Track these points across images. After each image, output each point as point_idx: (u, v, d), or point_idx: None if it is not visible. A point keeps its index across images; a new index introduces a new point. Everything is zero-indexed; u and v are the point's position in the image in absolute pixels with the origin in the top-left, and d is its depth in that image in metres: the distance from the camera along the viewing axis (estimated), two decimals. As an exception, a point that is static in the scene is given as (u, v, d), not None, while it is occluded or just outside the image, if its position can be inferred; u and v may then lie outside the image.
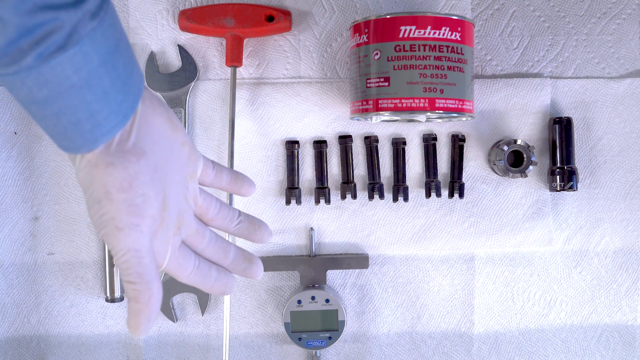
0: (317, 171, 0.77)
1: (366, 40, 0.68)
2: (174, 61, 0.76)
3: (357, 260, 0.76)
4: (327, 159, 0.77)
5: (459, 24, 0.67)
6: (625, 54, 0.77)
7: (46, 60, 0.40)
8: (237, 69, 0.76)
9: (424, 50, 0.66)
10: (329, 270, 0.78)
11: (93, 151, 0.45)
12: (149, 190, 0.46)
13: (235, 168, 0.76)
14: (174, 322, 0.77)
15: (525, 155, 0.74)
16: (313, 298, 0.74)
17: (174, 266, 0.51)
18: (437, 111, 0.66)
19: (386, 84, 0.67)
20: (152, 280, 0.46)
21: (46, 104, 0.42)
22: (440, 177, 0.77)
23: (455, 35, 0.67)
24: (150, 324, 0.46)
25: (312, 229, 0.77)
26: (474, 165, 0.77)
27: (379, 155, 0.77)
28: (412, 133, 0.77)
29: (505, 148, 0.73)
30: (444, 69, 0.66)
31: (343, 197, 0.76)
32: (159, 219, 0.48)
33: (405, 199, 0.76)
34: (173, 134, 0.50)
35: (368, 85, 0.68)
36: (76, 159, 0.46)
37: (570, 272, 0.78)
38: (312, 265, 0.76)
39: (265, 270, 0.76)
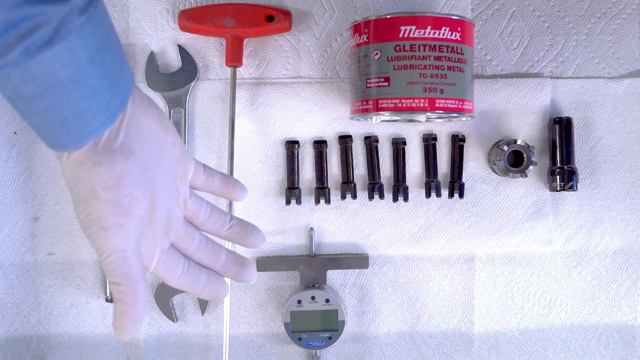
0: (317, 171, 0.77)
1: (366, 40, 0.68)
2: (174, 61, 0.76)
3: (357, 260, 0.76)
4: (327, 159, 0.77)
5: (459, 24, 0.67)
6: (625, 54, 0.77)
7: (32, 55, 0.39)
8: (237, 69, 0.76)
9: (424, 50, 0.66)
10: (329, 270, 0.78)
11: (80, 149, 0.44)
12: (137, 190, 0.46)
13: (235, 168, 0.76)
14: (174, 322, 0.77)
15: (525, 155, 0.74)
16: (313, 298, 0.74)
17: (162, 269, 0.50)
18: (437, 111, 0.66)
19: (386, 84, 0.67)
20: (138, 282, 0.45)
21: (32, 100, 0.42)
22: (440, 177, 0.77)
23: (455, 35, 0.67)
24: (136, 327, 0.46)
25: (312, 229, 0.77)
26: (474, 165, 0.77)
27: (379, 155, 0.77)
28: (412, 133, 0.77)
29: (505, 148, 0.73)
30: (444, 69, 0.66)
31: (343, 197, 0.76)
32: (147, 220, 0.47)
33: (405, 199, 0.76)
34: (163, 135, 0.49)
35: (368, 85, 0.68)
36: (63, 157, 0.46)
37: (570, 272, 0.78)
38: (312, 265, 0.76)
39: (265, 270, 0.76)
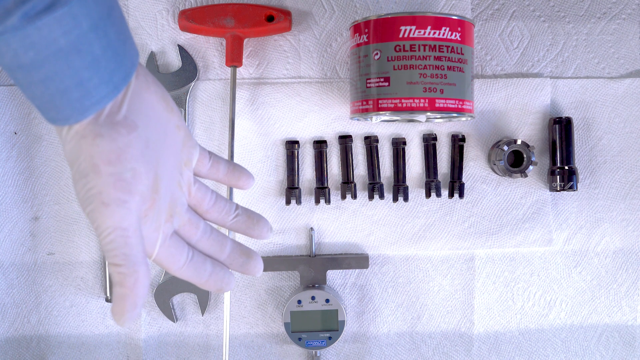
0: (317, 171, 0.77)
1: (366, 40, 0.68)
2: (174, 61, 0.76)
3: (357, 260, 0.76)
4: (327, 159, 0.77)
5: (459, 24, 0.67)
6: (625, 54, 0.77)
7: (32, 21, 0.38)
8: (237, 69, 0.76)
9: (424, 50, 0.66)
10: (329, 270, 0.78)
11: (81, 122, 0.43)
12: (139, 165, 0.44)
13: (235, 168, 0.76)
14: (174, 322, 0.77)
15: (525, 155, 0.74)
16: (313, 298, 0.74)
17: (165, 256, 0.48)
18: (437, 111, 0.66)
19: (386, 84, 0.67)
20: (139, 263, 0.43)
21: (32, 69, 0.40)
22: (440, 177, 0.77)
23: (455, 35, 0.67)
24: (136, 312, 0.43)
25: (312, 229, 0.77)
26: (474, 165, 0.77)
27: (379, 155, 0.77)
28: (412, 133, 0.77)
29: (505, 148, 0.73)
30: (444, 69, 0.66)
31: (343, 197, 0.76)
32: (149, 201, 0.45)
33: (405, 199, 0.76)
34: (168, 115, 0.47)
35: (368, 85, 0.68)
36: (63, 131, 0.44)
37: (570, 272, 0.78)
38: (312, 265, 0.76)
39: (265, 270, 0.76)
